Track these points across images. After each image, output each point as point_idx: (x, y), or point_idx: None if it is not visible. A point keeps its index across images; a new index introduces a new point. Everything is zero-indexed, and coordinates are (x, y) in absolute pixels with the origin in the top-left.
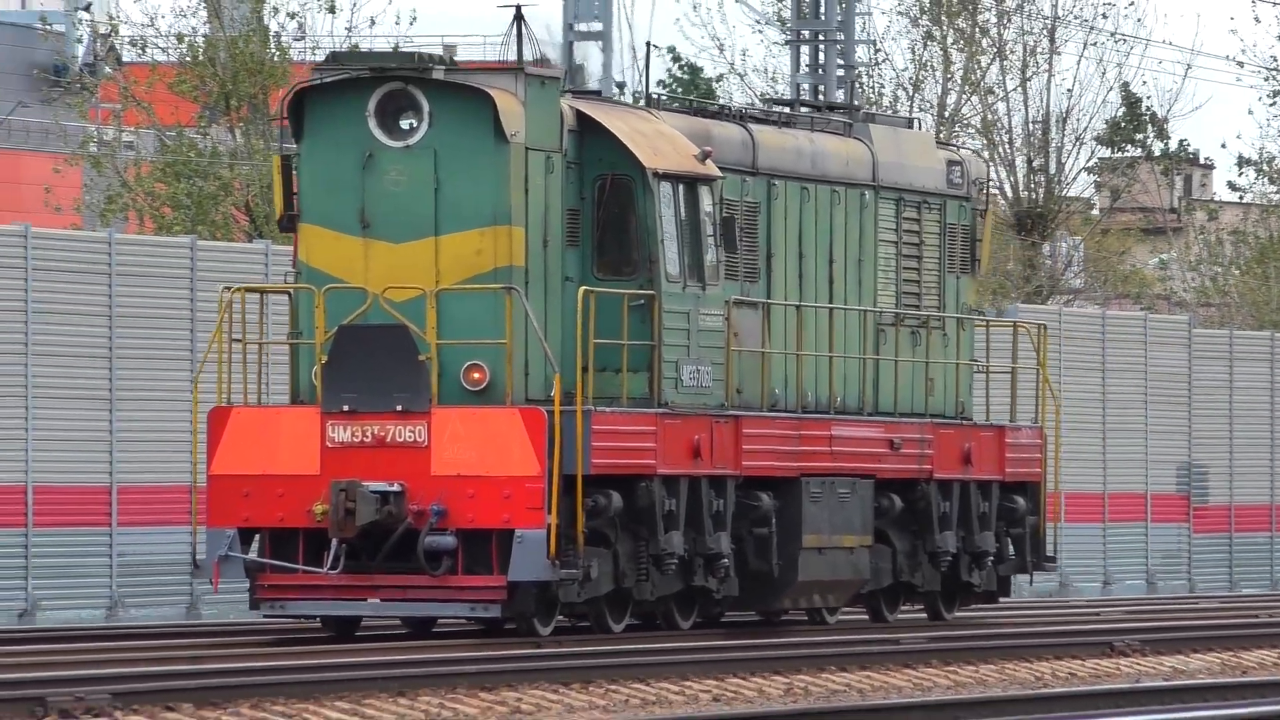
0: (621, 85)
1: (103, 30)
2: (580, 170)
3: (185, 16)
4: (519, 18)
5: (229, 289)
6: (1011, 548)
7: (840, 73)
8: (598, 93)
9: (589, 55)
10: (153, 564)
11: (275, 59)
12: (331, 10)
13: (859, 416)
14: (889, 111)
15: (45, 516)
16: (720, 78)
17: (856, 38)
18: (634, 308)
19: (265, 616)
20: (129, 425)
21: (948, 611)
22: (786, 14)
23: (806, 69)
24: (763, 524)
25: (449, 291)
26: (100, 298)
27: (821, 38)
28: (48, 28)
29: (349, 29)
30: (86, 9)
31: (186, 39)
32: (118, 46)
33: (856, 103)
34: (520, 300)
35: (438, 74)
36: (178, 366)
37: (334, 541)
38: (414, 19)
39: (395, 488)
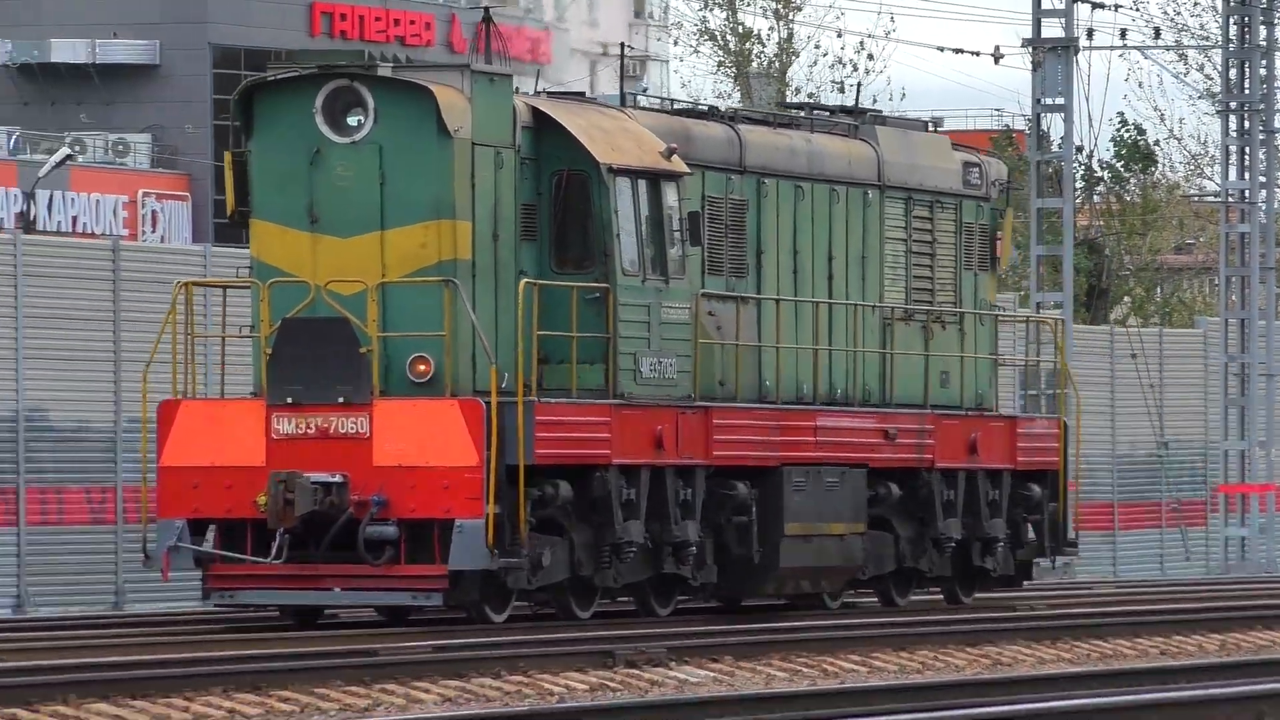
0: (1080, 148)
1: None
2: (537, 166)
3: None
4: (488, 19)
5: (181, 284)
6: (1031, 533)
7: (1262, 136)
8: (581, 94)
9: (1054, 123)
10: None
11: None
12: (840, 89)
13: (849, 407)
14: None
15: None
16: (1157, 141)
17: (1277, 107)
18: (589, 300)
19: (216, 605)
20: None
21: (965, 596)
22: (1216, 89)
23: (1234, 134)
24: (742, 512)
25: (395, 285)
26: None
27: (1246, 108)
28: None
29: (855, 105)
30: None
31: None
32: None
33: (864, 106)
34: (459, 293)
35: (384, 71)
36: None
37: (279, 531)
38: (903, 94)
39: (337, 478)
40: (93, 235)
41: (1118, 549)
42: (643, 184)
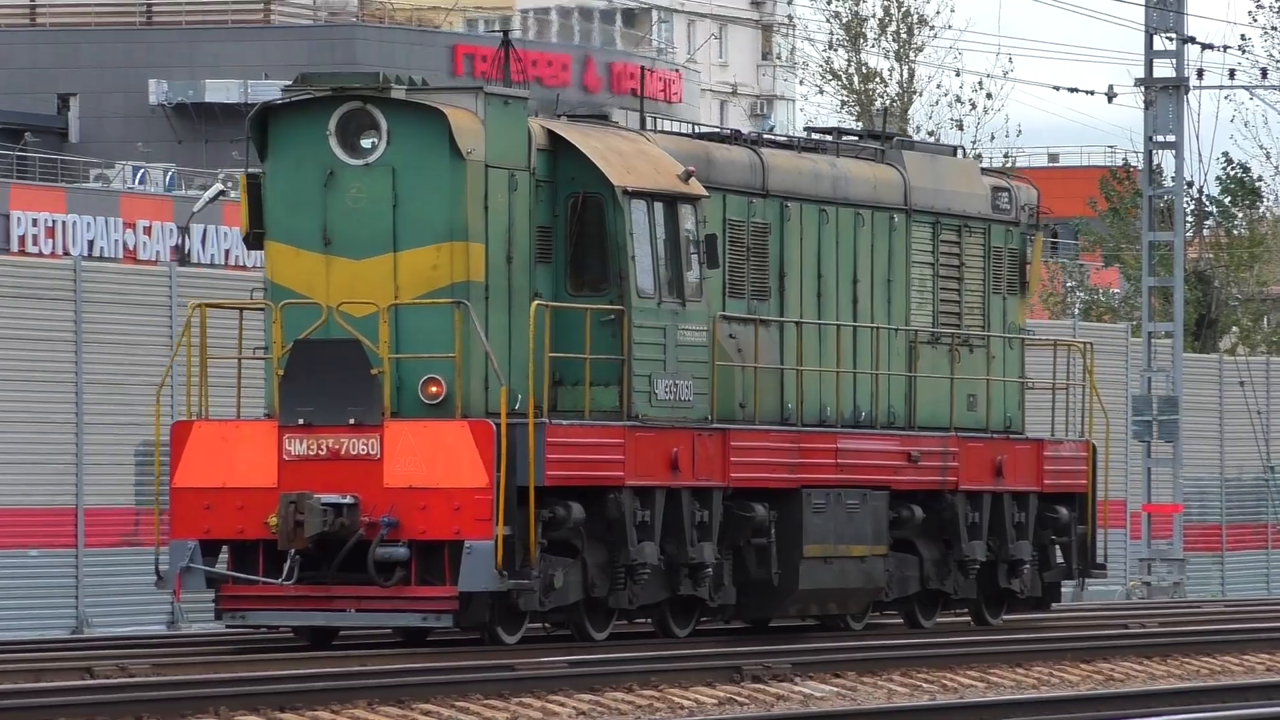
0: (1189, 184)
1: None
2: (553, 188)
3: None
4: (506, 43)
5: (196, 305)
6: (1060, 556)
7: None
8: (604, 117)
9: (1165, 160)
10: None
11: None
12: (960, 127)
13: (872, 430)
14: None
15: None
16: (1259, 178)
17: None
18: (604, 323)
19: (228, 626)
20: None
21: (993, 618)
22: None
23: None
24: (760, 534)
25: (408, 306)
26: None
27: None
28: None
29: (974, 142)
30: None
31: None
32: None
33: (892, 131)
34: (470, 315)
35: (397, 93)
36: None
37: (290, 552)
38: (1019, 131)
39: (348, 500)
40: (243, 268)
41: (1226, 569)
42: (659, 206)
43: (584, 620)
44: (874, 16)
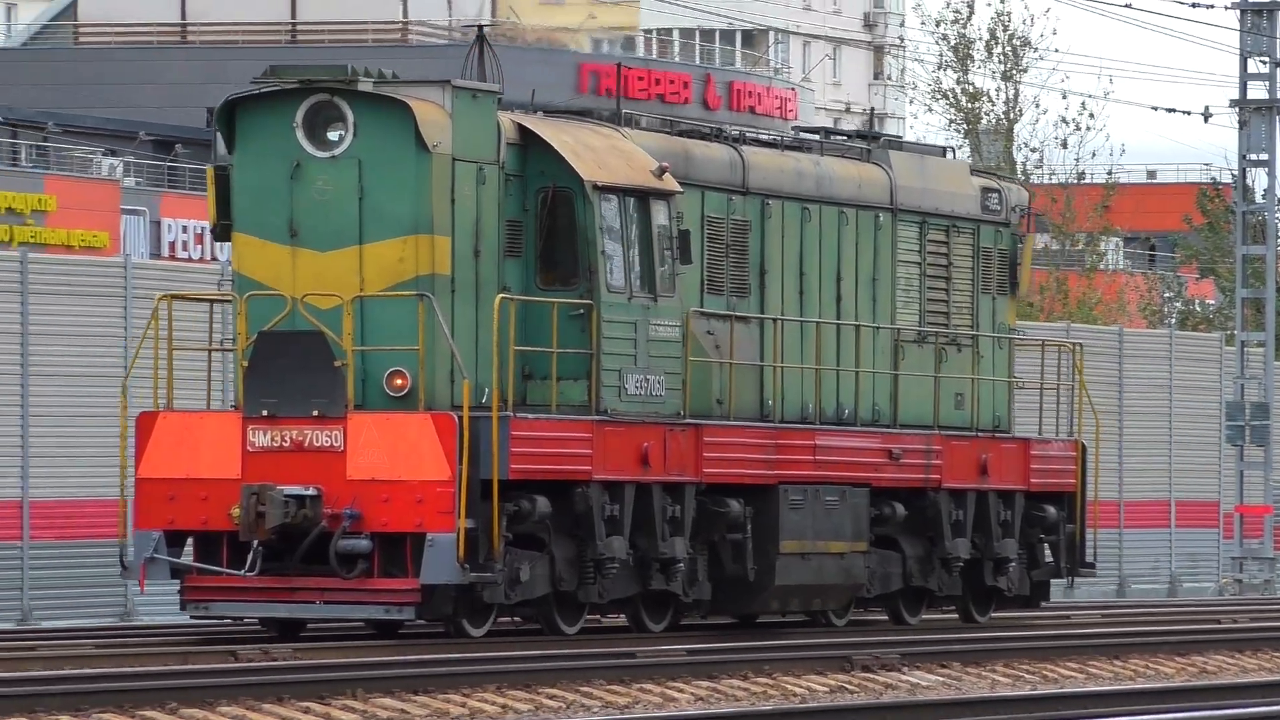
0: None
1: None
2: (524, 182)
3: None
4: (481, 38)
5: (163, 296)
6: (1049, 554)
7: None
8: (585, 112)
9: (1258, 178)
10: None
11: (1022, 180)
12: (1064, 145)
13: (853, 427)
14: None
15: None
16: None
17: None
18: (573, 317)
19: (192, 617)
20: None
21: (980, 615)
22: None
23: None
24: (736, 530)
25: (374, 299)
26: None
27: None
28: None
29: (1077, 159)
30: None
31: None
32: None
33: (879, 131)
34: (434, 307)
35: (364, 86)
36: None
37: (253, 544)
38: (1123, 150)
39: (311, 491)
40: None
41: None
42: (631, 202)
43: (554, 614)
44: (981, 39)
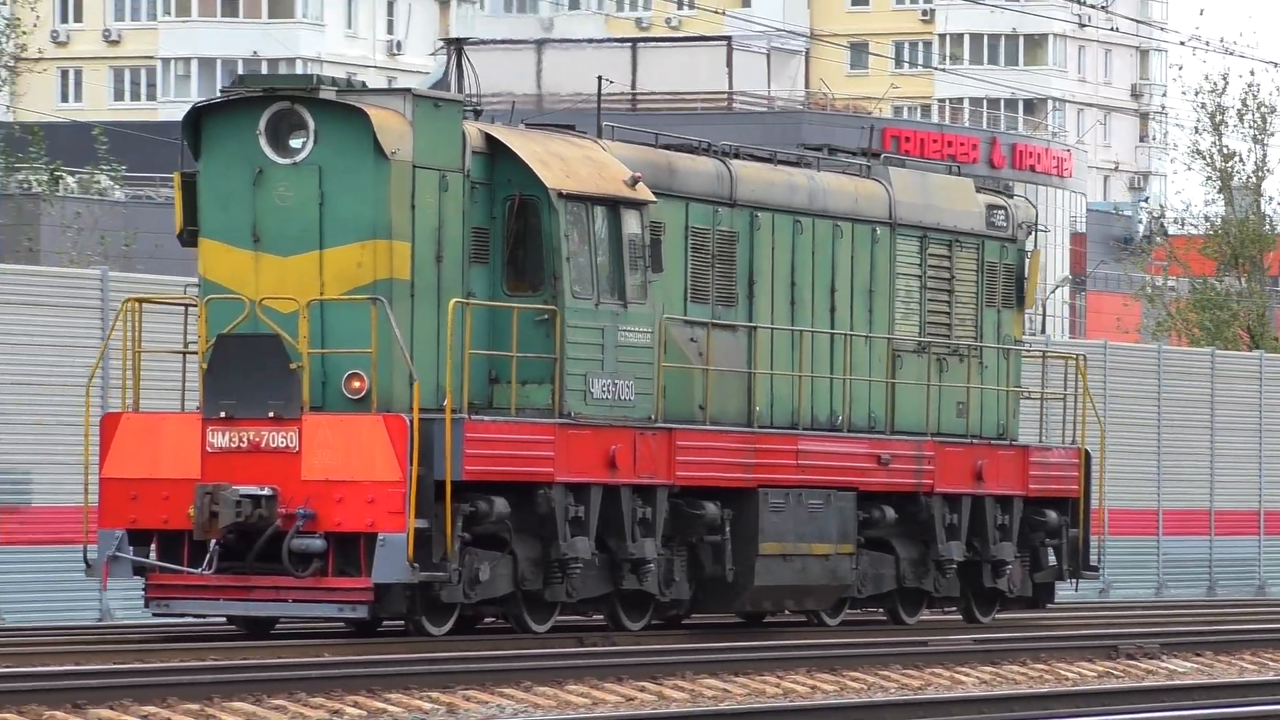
0: None
1: (1155, 214)
2: (491, 190)
3: (1211, 204)
4: (459, 51)
5: (129, 300)
6: (1052, 557)
7: None
8: (570, 127)
9: None
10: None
11: (1269, 231)
12: None
13: (839, 433)
14: None
15: None
16: None
17: None
18: (538, 322)
19: (154, 615)
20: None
21: (984, 616)
22: None
23: None
24: (714, 531)
25: (334, 302)
26: None
27: None
28: (1120, 214)
29: None
30: (1145, 200)
31: (1209, 220)
32: (1165, 224)
33: (878, 149)
34: (385, 310)
35: (326, 94)
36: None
37: (211, 542)
38: None
39: (266, 491)
40: None
41: None
42: (599, 210)
43: (522, 612)
44: (1234, 107)
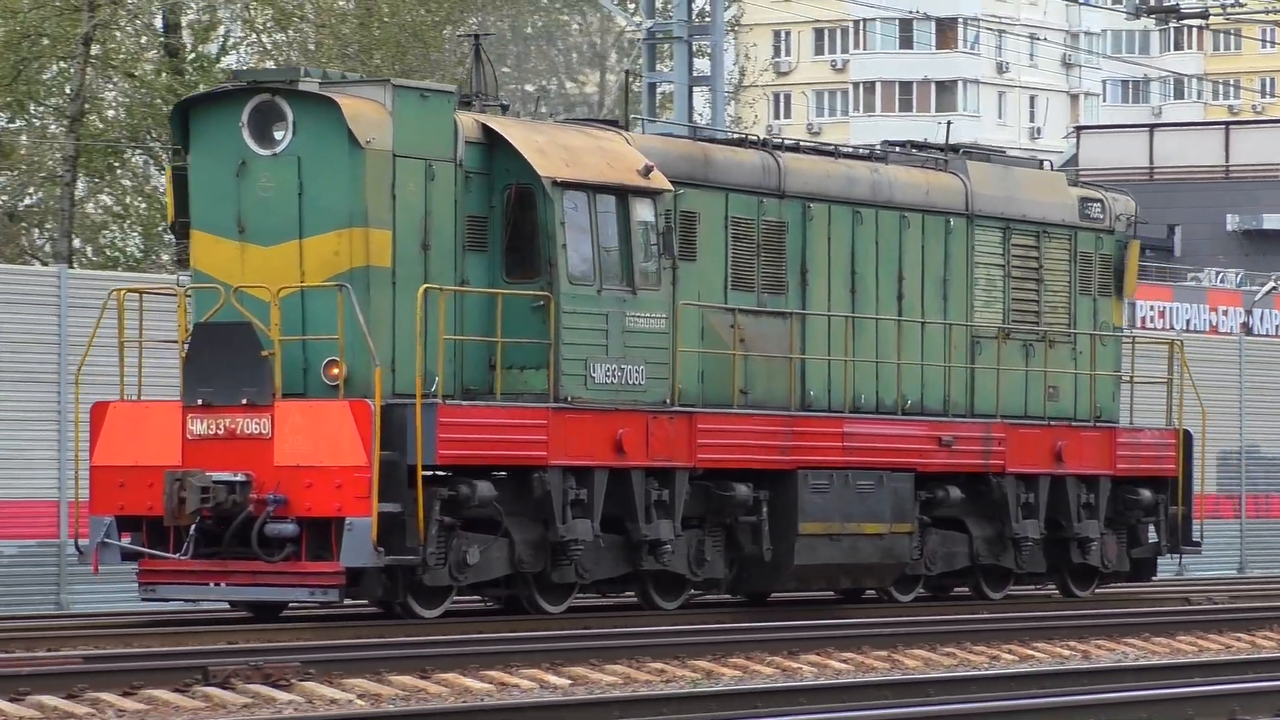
0: None
1: None
2: (489, 180)
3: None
4: (477, 45)
5: (116, 290)
6: (1152, 533)
7: None
8: (613, 122)
9: None
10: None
11: None
12: None
13: (893, 416)
14: None
15: None
16: None
17: None
18: (536, 309)
19: (143, 599)
20: None
21: (1081, 590)
22: None
23: None
24: (749, 513)
25: (312, 290)
26: None
27: None
28: None
29: None
30: None
31: None
32: None
33: (957, 143)
34: (350, 298)
35: (305, 86)
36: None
37: (189, 528)
38: None
39: (240, 478)
40: None
41: None
42: (605, 198)
43: (534, 593)
44: None
